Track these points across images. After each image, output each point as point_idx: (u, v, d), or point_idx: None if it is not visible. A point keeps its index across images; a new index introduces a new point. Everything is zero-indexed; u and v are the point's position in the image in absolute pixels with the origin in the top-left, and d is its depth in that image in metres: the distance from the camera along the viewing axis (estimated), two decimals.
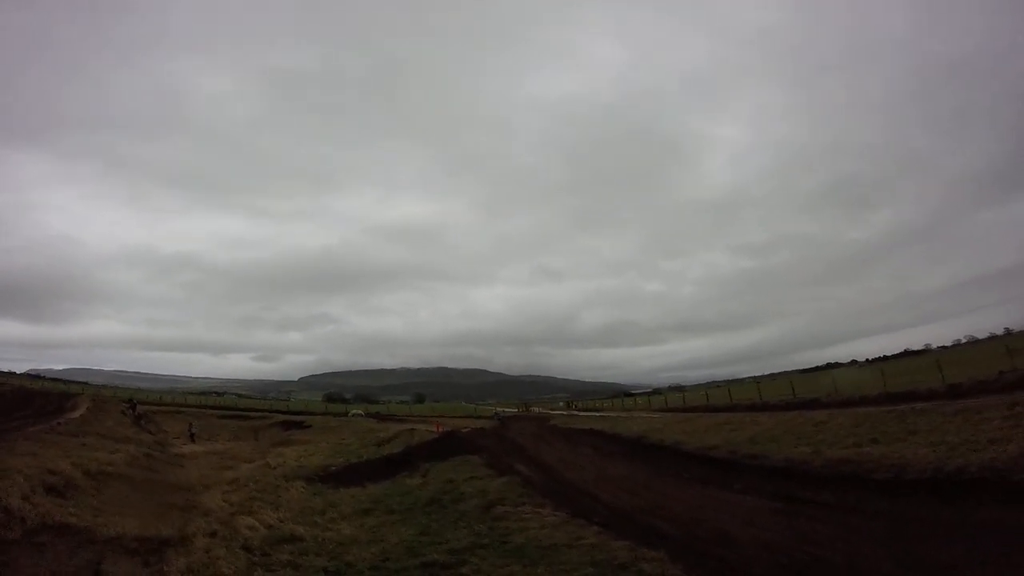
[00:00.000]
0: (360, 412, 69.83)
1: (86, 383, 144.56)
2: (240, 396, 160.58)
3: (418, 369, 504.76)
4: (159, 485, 18.92)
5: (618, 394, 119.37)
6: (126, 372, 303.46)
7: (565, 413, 60.26)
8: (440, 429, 32.85)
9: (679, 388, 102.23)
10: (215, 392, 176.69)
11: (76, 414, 37.22)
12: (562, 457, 21.33)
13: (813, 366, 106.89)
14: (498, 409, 74.16)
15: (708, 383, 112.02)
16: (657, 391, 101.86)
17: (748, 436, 18.61)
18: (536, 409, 78.29)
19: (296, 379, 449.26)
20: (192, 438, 40.62)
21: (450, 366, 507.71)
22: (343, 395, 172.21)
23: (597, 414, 49.88)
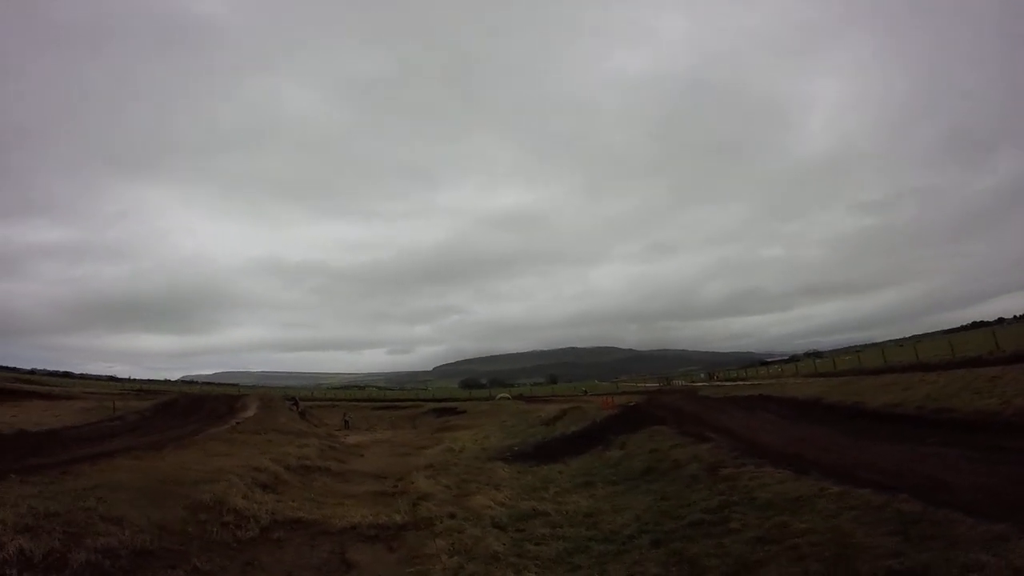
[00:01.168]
0: (507, 396, 71.07)
1: (236, 384, 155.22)
2: (380, 388, 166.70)
3: (547, 351, 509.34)
4: (356, 474, 19.37)
5: (753, 363, 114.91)
6: (271, 372, 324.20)
7: (708, 384, 58.46)
8: (609, 404, 32.15)
9: (816, 354, 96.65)
10: (356, 386, 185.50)
11: (249, 413, 39.37)
12: (744, 423, 20.40)
13: (958, 326, 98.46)
14: (639, 384, 73.14)
15: (846, 348, 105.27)
16: (794, 358, 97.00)
17: (924, 393, 18.60)
18: (679, 382, 76.78)
19: (431, 368, 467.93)
20: (347, 428, 42.10)
21: (578, 346, 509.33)
22: (478, 381, 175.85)
23: (746, 383, 47.98)
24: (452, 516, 10.74)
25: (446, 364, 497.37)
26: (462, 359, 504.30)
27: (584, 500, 11.72)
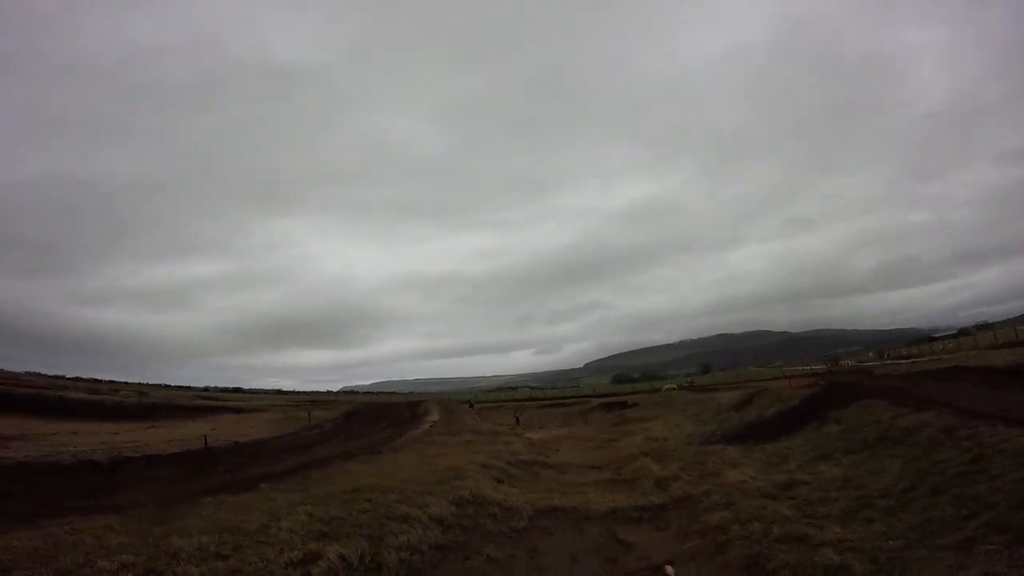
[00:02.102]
0: (673, 386, 70.55)
1: (393, 392, 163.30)
2: (531, 388, 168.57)
3: (697, 339, 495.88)
4: (570, 466, 20.51)
5: (919, 339, 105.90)
6: (425, 379, 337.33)
7: (880, 364, 55.27)
8: (797, 386, 31.53)
9: (985, 326, 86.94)
10: (508, 387, 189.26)
11: (435, 417, 41.78)
12: (951, 393, 19.37)
13: None
14: (804, 368, 70.30)
15: (1021, 317, 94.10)
16: (964, 331, 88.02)
17: None
18: (847, 363, 73.01)
19: (581, 365, 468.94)
20: (518, 425, 43.61)
21: (729, 332, 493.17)
22: (630, 375, 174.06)
23: (922, 359, 44.92)
24: (708, 493, 11.27)
25: (596, 360, 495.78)
26: (611, 354, 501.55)
27: (833, 469, 12.45)
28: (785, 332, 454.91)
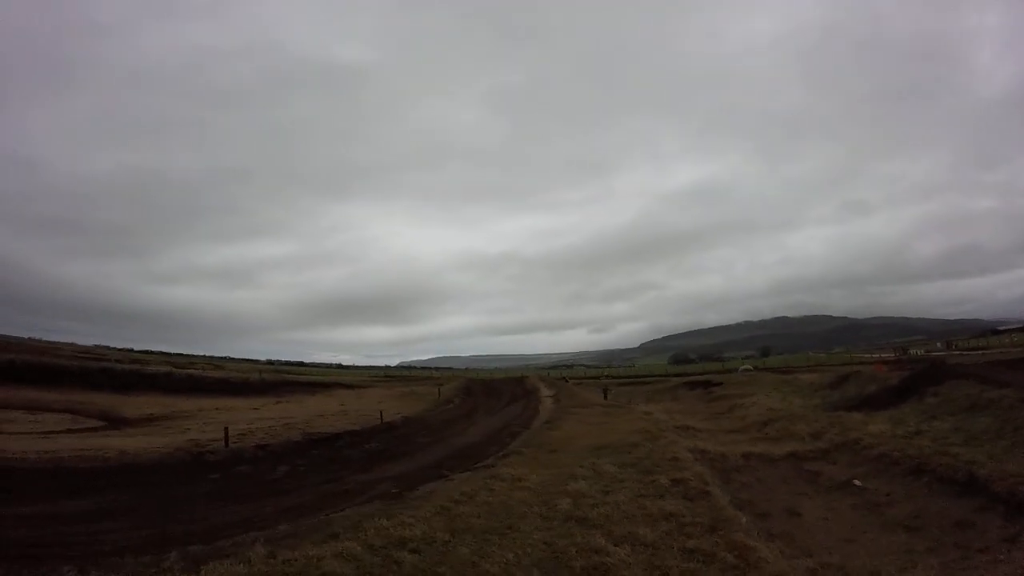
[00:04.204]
0: (749, 367, 75.18)
1: (450, 368, 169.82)
2: (587, 367, 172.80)
3: (755, 322, 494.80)
4: (711, 431, 25.90)
5: (983, 331, 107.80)
6: (480, 356, 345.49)
7: (947, 354, 59.42)
8: (882, 370, 36.63)
9: None
10: (564, 364, 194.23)
11: (547, 392, 47.13)
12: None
13: None
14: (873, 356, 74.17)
15: None
16: None
17: None
18: (916, 351, 76.70)
19: (636, 345, 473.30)
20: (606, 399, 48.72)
21: (788, 315, 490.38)
22: (687, 356, 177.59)
23: (990, 351, 49.34)
24: (859, 440, 17.06)
25: (651, 340, 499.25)
26: (667, 335, 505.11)
27: (943, 424, 18.12)
28: (845, 317, 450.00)
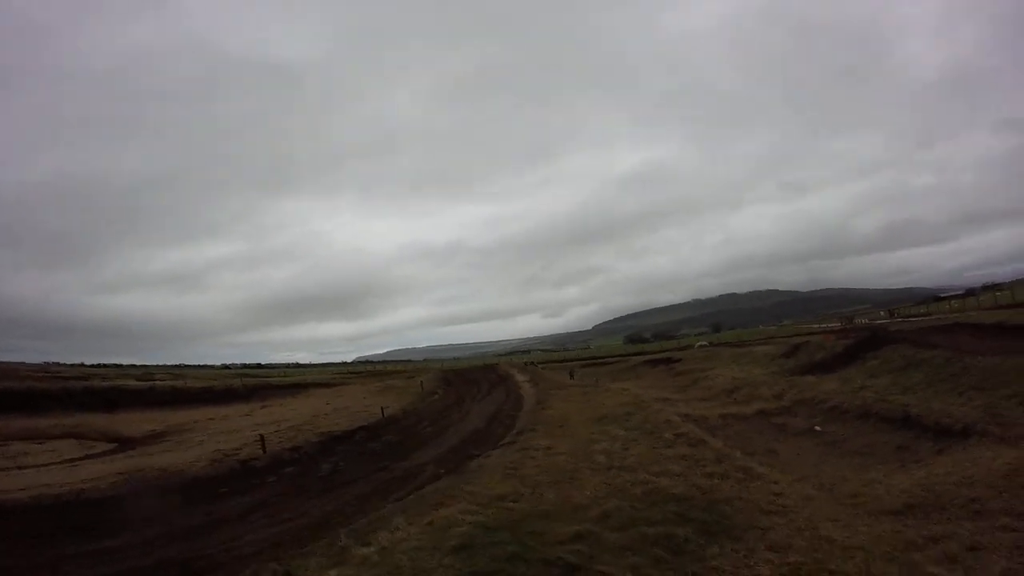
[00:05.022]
0: (705, 343, 79.39)
1: (409, 360, 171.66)
2: (543, 351, 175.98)
3: (705, 300, 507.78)
4: (684, 400, 29.26)
5: (926, 299, 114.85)
6: (436, 346, 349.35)
7: (890, 321, 63.84)
8: (830, 339, 40.51)
9: (993, 287, 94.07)
10: (519, 351, 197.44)
11: (521, 377, 49.75)
12: (952, 341, 27.57)
13: None
14: (819, 325, 78.87)
15: None
16: (971, 291, 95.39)
17: None
18: (860, 320, 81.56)
19: (590, 328, 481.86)
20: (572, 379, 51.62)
21: (736, 292, 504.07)
22: (642, 335, 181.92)
23: (929, 318, 53.75)
24: (815, 397, 20.53)
25: (604, 322, 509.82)
26: (619, 315, 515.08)
27: (882, 380, 21.79)
28: (793, 291, 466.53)
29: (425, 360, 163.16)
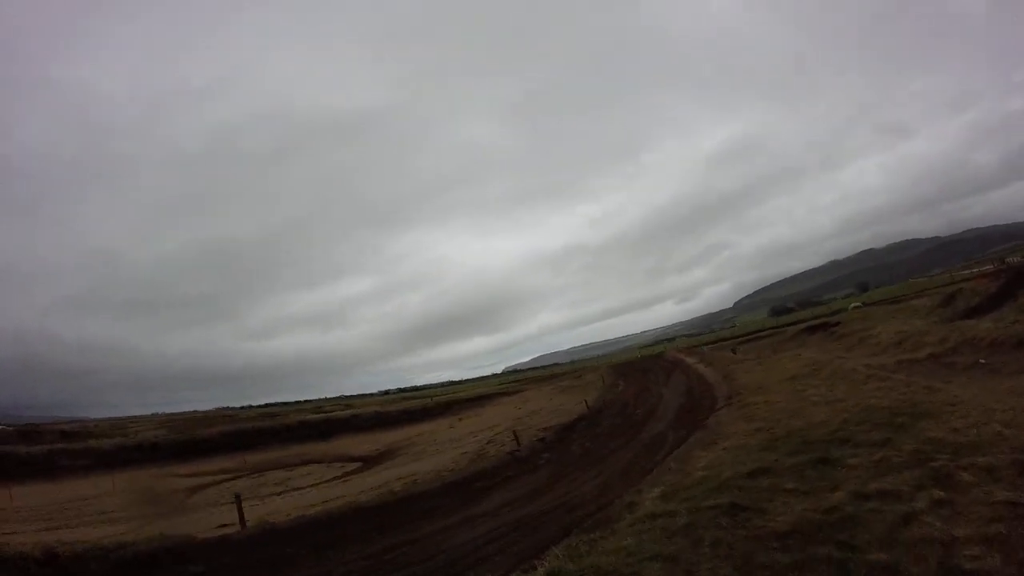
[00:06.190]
0: (859, 304, 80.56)
1: (556, 364, 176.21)
2: (688, 336, 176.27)
3: (841, 260, 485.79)
4: (863, 354, 33.20)
5: None
6: (580, 346, 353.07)
7: None
8: (983, 282, 42.69)
9: None
10: (663, 339, 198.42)
11: (691, 359, 54.36)
12: None
13: None
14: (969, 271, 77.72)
15: None
16: None
17: None
18: (1012, 259, 79.52)
19: (731, 305, 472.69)
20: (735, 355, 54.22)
21: (873, 247, 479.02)
22: (786, 306, 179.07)
23: None
24: (974, 337, 24.32)
25: (745, 297, 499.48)
26: (757, 288, 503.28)
27: None
28: (935, 237, 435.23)
29: (572, 362, 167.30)
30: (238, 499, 16.89)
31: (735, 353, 55.62)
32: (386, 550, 12.16)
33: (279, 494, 30.36)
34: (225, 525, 16.66)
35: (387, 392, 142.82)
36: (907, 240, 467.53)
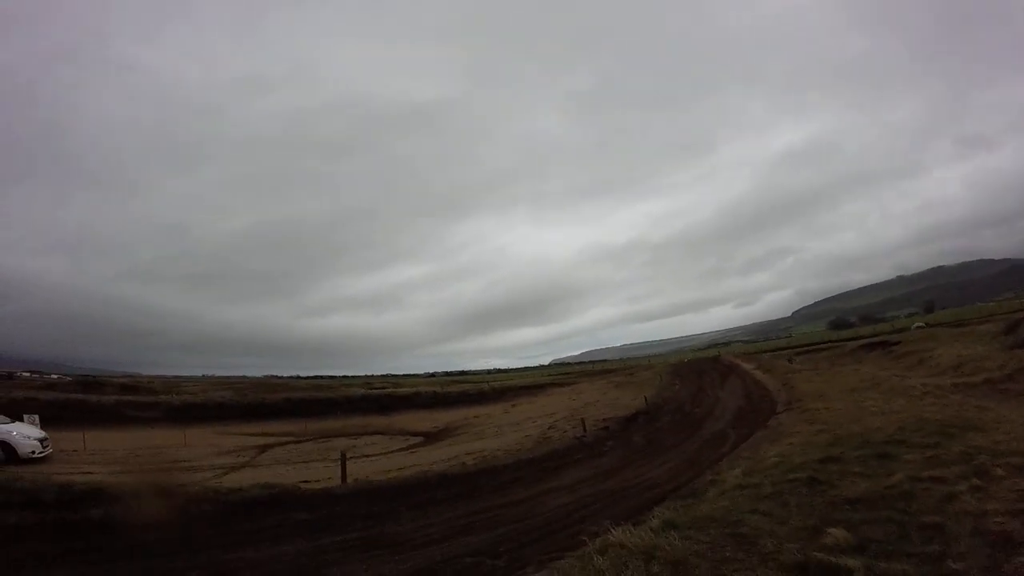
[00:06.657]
0: (922, 324, 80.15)
1: (604, 360, 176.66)
2: (744, 342, 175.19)
3: (909, 276, 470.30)
4: (923, 374, 34.55)
5: None
6: (632, 344, 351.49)
7: None
8: None
9: None
10: (720, 343, 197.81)
11: (748, 365, 55.66)
12: None
13: None
14: None
15: None
16: None
17: None
18: None
19: (789, 314, 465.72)
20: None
21: (944, 264, 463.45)
22: (847, 320, 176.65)
23: None
24: None
25: (804, 307, 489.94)
26: (817, 299, 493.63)
27: None
28: (1008, 259, 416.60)
29: (622, 359, 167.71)
30: (343, 456, 18.36)
31: (791, 363, 56.64)
32: (481, 511, 13.32)
33: (350, 459, 31.94)
34: (308, 481, 17.90)
35: (432, 375, 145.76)
36: (979, 260, 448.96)
